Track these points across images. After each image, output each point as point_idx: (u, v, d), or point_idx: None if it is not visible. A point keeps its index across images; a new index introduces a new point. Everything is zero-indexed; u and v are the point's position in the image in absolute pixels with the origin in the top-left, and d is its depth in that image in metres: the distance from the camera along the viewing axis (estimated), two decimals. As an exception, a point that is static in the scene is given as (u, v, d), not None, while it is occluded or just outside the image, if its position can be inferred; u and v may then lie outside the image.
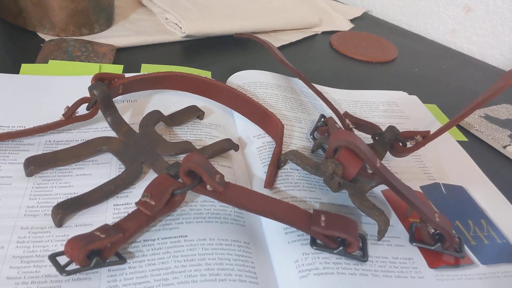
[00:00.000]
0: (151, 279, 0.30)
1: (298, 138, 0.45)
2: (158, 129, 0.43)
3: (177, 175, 0.32)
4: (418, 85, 0.65)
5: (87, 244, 0.28)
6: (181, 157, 0.40)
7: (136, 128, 0.42)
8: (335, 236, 0.33)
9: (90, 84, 0.46)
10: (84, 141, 0.39)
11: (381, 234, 0.35)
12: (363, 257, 0.33)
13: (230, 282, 0.30)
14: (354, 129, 0.46)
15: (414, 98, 0.59)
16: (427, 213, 0.34)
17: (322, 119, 0.46)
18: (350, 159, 0.34)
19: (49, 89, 0.46)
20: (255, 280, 0.31)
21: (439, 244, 0.35)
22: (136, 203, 0.31)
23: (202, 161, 0.31)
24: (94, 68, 0.51)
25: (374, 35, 0.78)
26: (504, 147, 0.51)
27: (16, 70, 0.49)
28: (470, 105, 0.39)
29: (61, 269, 0.28)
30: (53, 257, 0.29)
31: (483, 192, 0.44)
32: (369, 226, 0.37)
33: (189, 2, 0.70)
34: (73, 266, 0.29)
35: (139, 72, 0.54)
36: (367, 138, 0.48)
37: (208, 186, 0.31)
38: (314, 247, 0.33)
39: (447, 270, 0.34)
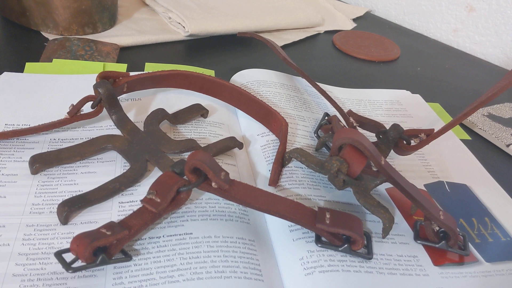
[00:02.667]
0: (157, 276, 0.30)
1: (302, 136, 0.45)
2: (162, 127, 0.43)
3: (182, 172, 0.32)
4: (421, 84, 0.65)
5: (93, 241, 0.28)
6: (186, 155, 0.40)
7: (140, 126, 0.42)
8: (340, 233, 0.33)
9: (94, 82, 0.47)
10: (89, 139, 0.39)
11: (385, 231, 0.35)
12: (368, 254, 0.33)
13: (235, 279, 0.30)
14: (358, 127, 0.46)
15: (417, 96, 0.59)
16: (432, 211, 0.34)
17: (326, 117, 0.46)
18: (355, 156, 0.34)
19: (54, 88, 0.46)
20: (260, 277, 0.31)
21: (443, 242, 0.35)
22: (142, 201, 0.31)
23: (207, 158, 0.31)
24: (98, 67, 0.51)
25: (377, 35, 0.78)
26: (507, 145, 0.51)
27: (20, 69, 0.49)
28: (474, 103, 0.39)
29: (67, 266, 0.28)
30: (59, 254, 0.29)
31: (487, 190, 0.44)
32: (373, 223, 0.37)
33: (192, 2, 0.70)
34: (79, 263, 0.29)
35: (143, 71, 0.54)
36: (371, 136, 0.48)
37: (213, 184, 0.31)
38: (319, 245, 0.33)
39: (452, 267, 0.34)
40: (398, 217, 0.38)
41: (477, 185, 0.44)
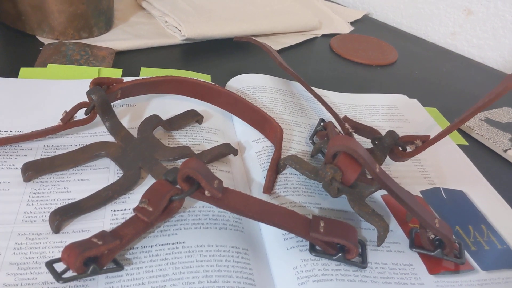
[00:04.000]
0: (149, 286, 0.29)
1: (297, 143, 0.45)
2: (156, 134, 0.43)
3: (175, 181, 0.32)
4: (419, 88, 0.64)
5: (84, 251, 0.28)
6: (180, 162, 0.40)
7: (134, 132, 0.42)
8: (334, 242, 0.33)
9: (89, 88, 0.46)
10: (82, 146, 0.39)
11: (380, 240, 0.35)
12: (363, 263, 0.33)
13: (228, 289, 0.30)
14: (353, 134, 0.45)
15: (414, 101, 0.59)
16: (427, 219, 0.33)
17: (322, 124, 0.46)
18: (349, 164, 0.34)
19: (48, 93, 0.46)
20: (254, 287, 0.31)
21: (439, 250, 0.35)
22: (134, 209, 0.31)
23: (200, 166, 0.31)
24: (93, 72, 0.51)
25: (374, 38, 0.78)
26: (505, 150, 0.51)
27: (14, 74, 0.49)
28: (470, 109, 0.39)
29: (58, 276, 0.28)
30: (50, 264, 0.29)
31: (484, 196, 0.43)
32: (368, 231, 0.37)
33: (189, 5, 0.69)
34: (70, 273, 0.28)
35: (139, 75, 0.54)
36: (366, 143, 0.47)
37: (206, 192, 0.31)
38: (313, 254, 0.33)
39: (447, 276, 0.34)
40: (394, 224, 0.38)
41: (473, 191, 0.44)
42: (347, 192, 0.36)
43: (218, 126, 0.46)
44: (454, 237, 0.37)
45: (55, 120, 0.42)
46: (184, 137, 0.43)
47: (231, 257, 0.32)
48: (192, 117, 0.44)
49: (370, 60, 0.69)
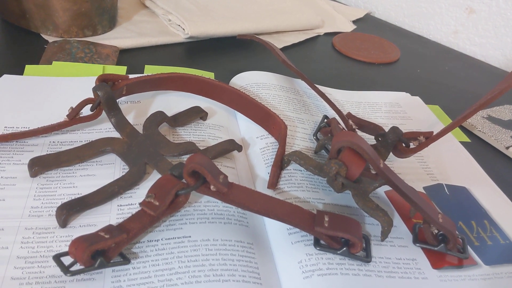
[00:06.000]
0: (155, 279, 0.30)
1: (301, 139, 0.45)
2: (161, 130, 0.43)
3: (180, 175, 0.32)
4: (421, 86, 0.65)
5: (91, 244, 0.28)
6: (185, 157, 0.40)
7: (139, 129, 0.42)
8: (339, 236, 0.33)
9: (93, 85, 0.47)
10: (88, 142, 0.39)
11: (384, 234, 0.35)
12: (367, 257, 0.33)
13: (233, 282, 0.30)
14: (357, 130, 0.46)
15: (417, 99, 0.59)
16: (430, 214, 0.34)
17: (325, 120, 0.46)
18: (354, 159, 0.34)
19: (53, 90, 0.46)
20: (259, 280, 0.31)
21: (442, 244, 0.35)
22: (140, 204, 0.32)
23: (206, 161, 0.31)
24: (97, 69, 0.52)
25: (377, 37, 0.78)
26: (507, 148, 0.51)
27: (20, 71, 0.49)
28: (473, 106, 0.39)
29: (65, 269, 0.28)
30: (57, 258, 0.29)
31: (486, 192, 0.44)
32: (372, 226, 0.37)
33: (192, 4, 0.70)
34: (77, 267, 0.29)
35: (142, 73, 0.54)
36: (370, 139, 0.48)
37: (211, 187, 0.31)
38: (318, 248, 0.33)
39: (451, 270, 0.34)
40: (397, 219, 0.38)
41: (476, 187, 0.44)
42: (351, 187, 0.36)
43: (222, 123, 0.46)
44: (457, 232, 0.37)
45: (59, 116, 0.43)
46: (188, 133, 0.43)
47: (236, 251, 0.32)
48: (196, 114, 0.45)
49: (373, 59, 0.69)
